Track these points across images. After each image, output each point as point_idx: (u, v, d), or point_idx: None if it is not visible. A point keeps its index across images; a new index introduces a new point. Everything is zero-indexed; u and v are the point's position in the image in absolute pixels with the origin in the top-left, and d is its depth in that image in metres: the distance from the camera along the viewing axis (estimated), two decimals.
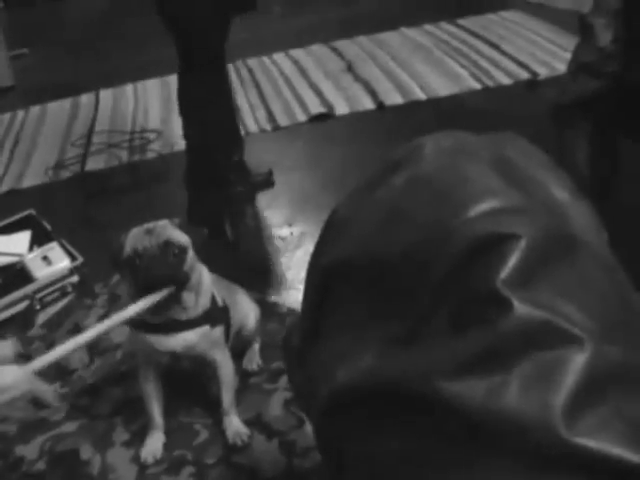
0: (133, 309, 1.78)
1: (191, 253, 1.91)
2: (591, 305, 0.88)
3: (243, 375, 2.23)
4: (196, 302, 1.95)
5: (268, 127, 3.93)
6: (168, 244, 1.86)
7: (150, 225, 1.90)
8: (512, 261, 0.89)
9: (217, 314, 2.02)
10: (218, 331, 2.02)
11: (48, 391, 1.48)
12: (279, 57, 4.89)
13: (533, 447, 0.78)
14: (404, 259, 0.97)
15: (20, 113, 4.59)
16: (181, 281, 1.87)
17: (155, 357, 2.01)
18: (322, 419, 1.06)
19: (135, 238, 1.87)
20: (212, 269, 2.06)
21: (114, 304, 2.61)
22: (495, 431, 0.79)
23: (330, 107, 3.99)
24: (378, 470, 0.92)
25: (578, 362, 0.82)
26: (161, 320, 1.93)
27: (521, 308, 0.85)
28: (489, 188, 0.97)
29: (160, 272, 1.83)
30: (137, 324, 1.96)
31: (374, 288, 1.02)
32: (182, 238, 1.90)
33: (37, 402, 1.46)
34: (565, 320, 0.84)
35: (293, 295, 2.51)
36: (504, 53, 4.47)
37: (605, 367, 0.83)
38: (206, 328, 1.97)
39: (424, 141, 1.10)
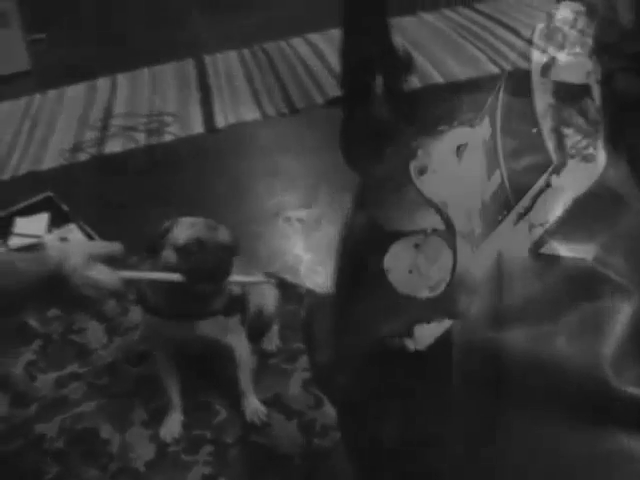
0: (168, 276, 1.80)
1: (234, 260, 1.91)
2: (636, 256, 0.88)
3: (262, 355, 2.23)
4: (217, 297, 1.95)
5: (285, 110, 3.92)
6: (228, 248, 1.87)
7: (211, 222, 1.91)
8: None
9: (232, 305, 2.01)
10: (233, 319, 2.02)
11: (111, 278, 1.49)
12: (296, 41, 4.87)
13: (582, 396, 0.78)
14: None
15: (37, 97, 4.59)
16: (222, 284, 1.87)
17: (169, 341, 2.02)
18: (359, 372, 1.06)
19: (195, 228, 1.87)
20: None
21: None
22: (543, 379, 0.79)
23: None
24: (417, 426, 0.92)
25: (626, 312, 0.81)
26: (180, 311, 1.93)
27: (568, 259, 0.85)
28: None
29: (214, 268, 1.81)
30: (150, 308, 1.97)
31: None
32: (231, 242, 1.91)
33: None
34: (612, 271, 0.84)
35: (311, 276, 2.51)
36: (522, 37, 4.43)
37: None
38: (220, 317, 1.97)
39: None
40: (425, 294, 1.12)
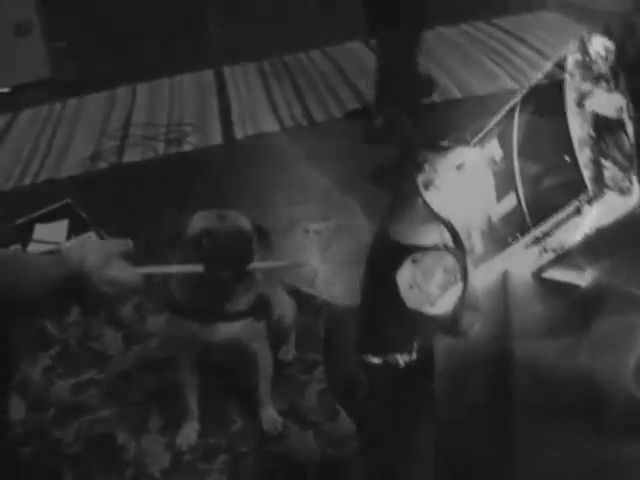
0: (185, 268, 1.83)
1: (254, 246, 1.92)
2: None
3: (278, 365, 2.24)
4: (245, 294, 1.96)
5: (304, 122, 3.95)
6: (239, 231, 1.88)
7: (223, 212, 1.93)
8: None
9: (262, 307, 2.02)
10: (261, 324, 2.04)
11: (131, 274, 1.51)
12: (315, 54, 4.90)
13: (604, 404, 0.80)
14: None
15: (57, 105, 4.63)
16: (242, 268, 1.87)
17: (195, 346, 2.02)
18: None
19: (205, 219, 1.89)
20: None
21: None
22: (567, 388, 0.82)
23: (366, 103, 4.00)
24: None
25: None
26: (208, 308, 1.94)
27: (567, 285, 0.89)
28: None
29: (226, 254, 1.83)
30: (182, 311, 1.97)
31: None
32: (250, 228, 1.92)
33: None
34: (636, 287, 0.87)
35: (327, 288, 2.52)
36: (540, 53, 4.45)
37: None
38: (250, 320, 1.98)
39: None
40: (429, 310, 1.15)
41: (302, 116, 4.01)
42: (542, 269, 1.12)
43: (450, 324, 1.16)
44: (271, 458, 1.99)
